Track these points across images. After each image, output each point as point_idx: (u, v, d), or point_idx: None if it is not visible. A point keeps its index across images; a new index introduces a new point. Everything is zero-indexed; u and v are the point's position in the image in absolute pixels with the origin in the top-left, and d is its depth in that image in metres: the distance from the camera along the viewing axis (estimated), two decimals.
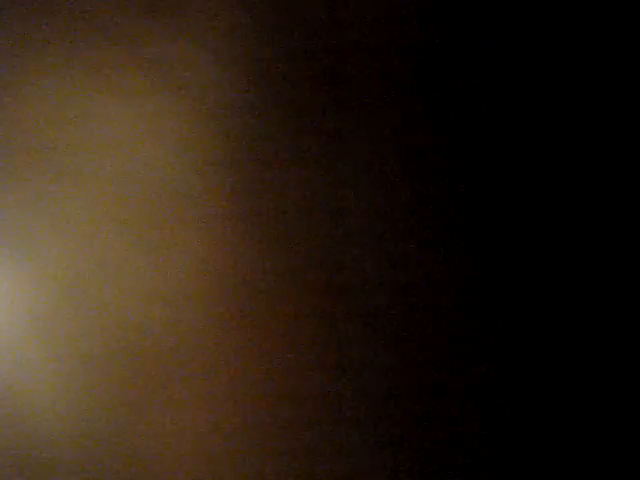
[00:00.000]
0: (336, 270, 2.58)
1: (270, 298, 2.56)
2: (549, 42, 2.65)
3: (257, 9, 2.60)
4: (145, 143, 2.56)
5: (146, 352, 2.53)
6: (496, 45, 2.64)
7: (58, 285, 2.53)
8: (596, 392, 2.61)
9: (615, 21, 2.66)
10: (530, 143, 2.64)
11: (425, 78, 2.62)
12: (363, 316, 2.58)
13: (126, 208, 2.55)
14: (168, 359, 2.53)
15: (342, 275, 2.58)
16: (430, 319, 2.59)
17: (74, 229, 2.54)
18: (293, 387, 2.55)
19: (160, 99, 2.56)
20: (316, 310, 2.57)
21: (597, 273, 2.63)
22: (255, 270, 2.56)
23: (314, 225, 2.58)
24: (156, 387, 2.53)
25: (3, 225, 2.53)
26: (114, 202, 2.55)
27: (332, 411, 2.56)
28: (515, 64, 2.64)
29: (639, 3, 2.66)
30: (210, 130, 2.57)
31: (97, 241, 2.54)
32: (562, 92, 2.65)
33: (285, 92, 2.59)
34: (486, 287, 2.60)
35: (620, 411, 2.61)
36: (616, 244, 2.64)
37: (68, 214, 2.54)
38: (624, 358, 2.62)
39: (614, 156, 2.65)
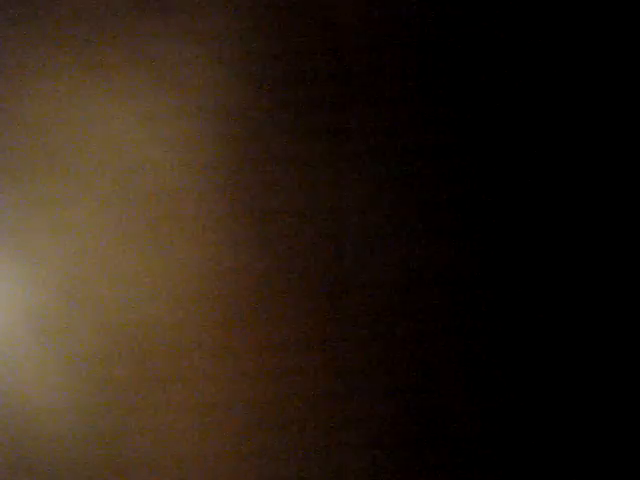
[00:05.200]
0: (336, 270, 2.58)
1: (270, 298, 2.56)
2: (549, 42, 2.65)
3: (257, 10, 2.60)
4: (145, 143, 2.56)
5: (146, 352, 2.53)
6: (497, 46, 2.64)
7: (58, 285, 2.53)
8: (596, 392, 2.61)
9: (615, 21, 2.67)
10: (531, 143, 2.64)
11: (426, 78, 2.62)
12: (363, 316, 2.58)
13: (126, 208, 2.55)
14: (168, 359, 2.53)
15: (342, 275, 2.58)
16: (430, 319, 2.59)
17: (74, 229, 2.54)
18: (293, 387, 2.55)
19: (160, 99, 2.56)
20: (316, 310, 2.57)
21: (600, 274, 2.63)
22: (255, 270, 2.56)
23: (314, 225, 2.58)
24: (156, 387, 2.53)
25: (3, 225, 2.53)
26: (114, 202, 2.55)
27: (332, 411, 2.56)
28: (516, 64, 2.64)
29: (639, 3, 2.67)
30: (210, 130, 2.57)
31: (97, 241, 2.54)
32: (562, 92, 2.65)
33: (285, 92, 2.59)
34: (487, 287, 2.60)
35: (620, 411, 2.61)
36: (616, 243, 2.64)
37: (68, 214, 2.54)
38: (624, 357, 2.62)
39: (614, 156, 2.65)
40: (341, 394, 2.56)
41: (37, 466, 2.51)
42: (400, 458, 2.57)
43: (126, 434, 2.52)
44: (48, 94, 2.55)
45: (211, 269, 2.55)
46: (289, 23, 2.60)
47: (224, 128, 2.57)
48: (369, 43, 2.61)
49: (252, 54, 2.59)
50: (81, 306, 2.53)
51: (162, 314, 2.54)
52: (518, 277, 2.61)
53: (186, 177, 2.56)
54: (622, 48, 2.66)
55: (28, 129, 2.55)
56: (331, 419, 2.56)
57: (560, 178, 2.64)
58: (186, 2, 2.58)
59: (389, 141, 2.61)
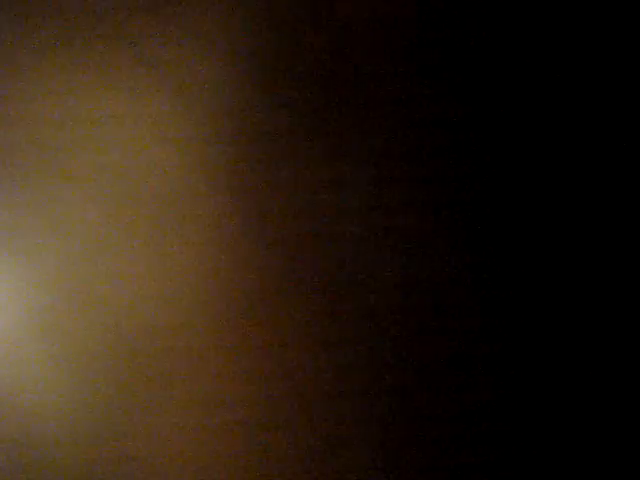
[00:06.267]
0: (336, 270, 2.58)
1: (270, 298, 2.56)
2: (549, 42, 2.65)
3: (257, 10, 2.60)
4: (145, 143, 2.56)
5: (146, 352, 2.53)
6: (496, 46, 2.64)
7: (58, 285, 2.52)
8: (596, 392, 2.62)
9: (615, 21, 2.67)
10: (530, 143, 2.64)
11: (425, 79, 2.62)
12: (363, 316, 2.58)
13: (126, 208, 2.55)
14: (168, 359, 2.53)
15: (342, 275, 2.58)
16: (430, 319, 2.59)
17: (74, 229, 2.54)
18: (293, 387, 2.55)
19: (160, 99, 2.56)
20: (316, 310, 2.57)
21: (599, 274, 2.63)
22: (256, 270, 2.56)
23: (314, 225, 2.58)
24: (156, 387, 2.53)
25: (3, 225, 2.53)
26: (114, 202, 2.55)
27: (332, 411, 2.56)
28: (515, 64, 2.64)
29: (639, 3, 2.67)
30: (210, 130, 2.57)
31: (97, 241, 2.54)
32: (562, 92, 2.65)
33: (285, 92, 2.59)
34: (487, 287, 2.60)
35: (620, 411, 2.61)
36: (616, 244, 2.64)
37: (68, 214, 2.54)
38: (624, 358, 2.62)
39: (614, 156, 2.65)
40: (341, 394, 2.56)
41: (37, 466, 2.51)
42: (400, 458, 2.57)
43: (126, 434, 2.52)
44: (48, 94, 2.55)
45: (211, 269, 2.55)
46: (289, 23, 2.60)
47: (224, 128, 2.57)
48: (370, 43, 2.61)
49: (252, 54, 2.59)
50: (81, 306, 2.53)
51: (162, 314, 2.54)
52: (519, 277, 2.61)
53: (187, 177, 2.56)
54: (622, 48, 2.66)
55: (28, 129, 2.54)
56: (331, 419, 2.56)
57: (560, 180, 2.64)
58: (186, 2, 2.58)
59: (389, 141, 2.61)
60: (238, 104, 2.58)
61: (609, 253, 2.63)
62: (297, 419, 2.55)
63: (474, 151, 2.62)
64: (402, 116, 2.62)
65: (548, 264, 2.62)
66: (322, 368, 2.56)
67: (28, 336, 2.51)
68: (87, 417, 2.51)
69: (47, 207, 2.53)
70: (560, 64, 2.65)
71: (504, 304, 2.61)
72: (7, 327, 2.51)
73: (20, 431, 2.50)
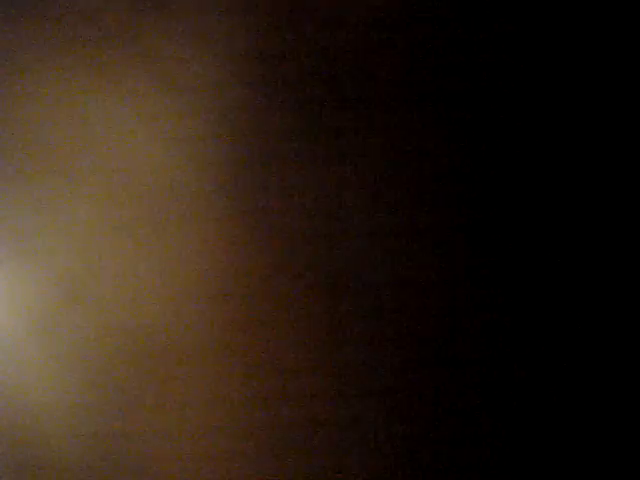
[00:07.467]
0: (336, 270, 2.58)
1: (270, 298, 2.56)
2: (549, 43, 2.65)
3: (257, 9, 2.60)
4: (145, 143, 2.56)
5: (146, 352, 2.53)
6: (496, 46, 2.64)
7: (58, 285, 2.53)
8: (596, 392, 2.61)
9: (615, 21, 2.66)
10: (530, 143, 2.64)
11: (425, 78, 2.62)
12: (363, 316, 2.58)
13: (126, 208, 2.55)
14: (168, 359, 2.53)
15: (342, 275, 2.58)
16: (430, 319, 2.59)
17: (74, 229, 2.54)
18: (293, 387, 2.55)
19: (160, 99, 2.56)
20: (316, 310, 2.57)
21: (597, 273, 2.63)
22: (256, 270, 2.56)
23: (314, 225, 2.58)
24: (156, 387, 2.53)
25: (3, 225, 2.53)
26: (114, 202, 2.55)
27: (332, 411, 2.56)
28: (515, 64, 2.64)
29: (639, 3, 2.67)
30: (210, 130, 2.57)
31: (97, 241, 2.54)
32: (562, 92, 2.65)
33: (285, 92, 2.59)
34: (487, 286, 2.60)
35: (620, 411, 2.61)
36: (616, 244, 2.64)
37: (68, 214, 2.54)
38: (624, 358, 2.62)
39: (614, 156, 2.65)
40: (341, 394, 2.56)
41: (37, 466, 2.51)
42: (400, 458, 2.57)
43: (126, 434, 2.52)
44: (48, 94, 2.55)
45: (211, 269, 2.55)
46: (289, 23, 2.60)
47: (224, 128, 2.57)
48: (370, 43, 2.61)
49: (252, 54, 2.59)
50: (81, 306, 2.53)
51: (162, 314, 2.54)
52: (519, 278, 2.61)
53: (186, 177, 2.56)
54: (622, 48, 2.66)
55: (28, 129, 2.55)
56: (331, 419, 2.56)
57: (560, 180, 2.64)
58: (186, 2, 2.58)
59: (389, 141, 2.61)
60: (238, 104, 2.58)
61: (609, 253, 2.63)
62: (296, 419, 2.55)
63: (476, 151, 2.62)
64: (402, 116, 2.62)
65: (552, 267, 2.62)
66: (322, 368, 2.56)
67: (28, 336, 2.52)
68: (87, 417, 2.52)
69: (47, 207, 2.54)
70: (560, 66, 2.65)
71: (506, 304, 2.60)
72: (7, 327, 2.51)
73: (20, 431, 2.50)
